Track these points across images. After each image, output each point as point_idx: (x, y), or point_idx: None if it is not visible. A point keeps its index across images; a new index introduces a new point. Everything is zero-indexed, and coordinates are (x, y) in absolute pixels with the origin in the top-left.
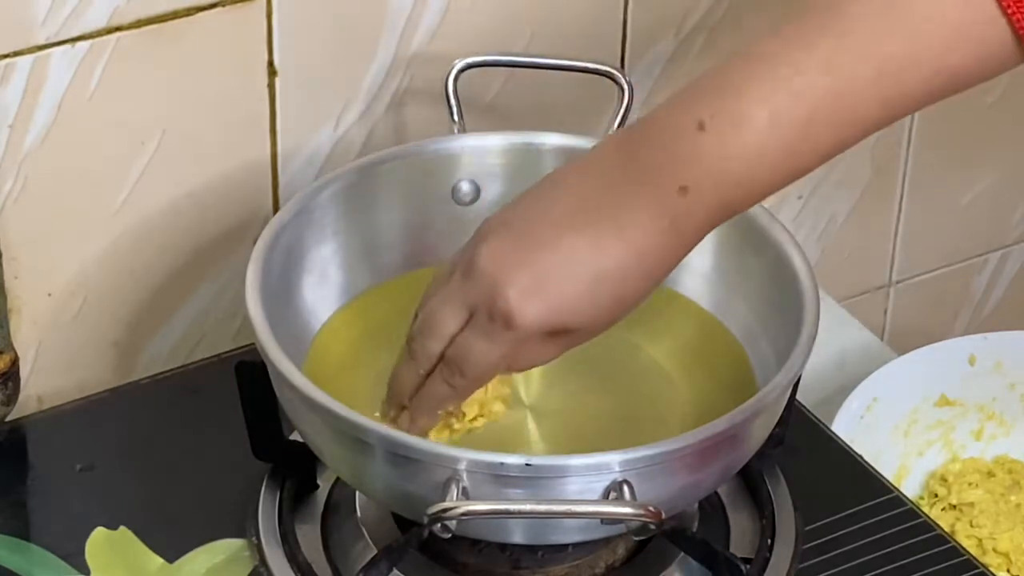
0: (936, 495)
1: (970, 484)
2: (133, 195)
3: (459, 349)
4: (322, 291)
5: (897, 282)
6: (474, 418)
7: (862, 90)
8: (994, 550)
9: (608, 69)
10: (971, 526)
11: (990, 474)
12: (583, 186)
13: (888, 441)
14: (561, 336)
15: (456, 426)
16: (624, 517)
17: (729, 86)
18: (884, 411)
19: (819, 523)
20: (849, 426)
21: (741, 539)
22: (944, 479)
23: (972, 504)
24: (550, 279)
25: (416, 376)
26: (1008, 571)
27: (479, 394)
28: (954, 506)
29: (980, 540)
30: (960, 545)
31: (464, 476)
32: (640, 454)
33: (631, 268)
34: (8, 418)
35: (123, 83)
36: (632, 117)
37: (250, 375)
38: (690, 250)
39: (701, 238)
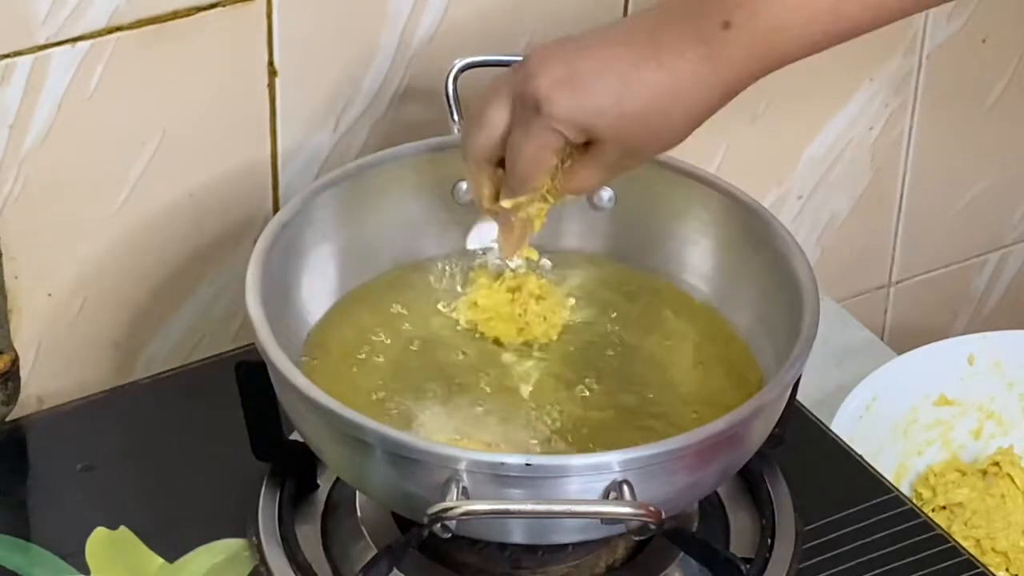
0: (922, 497)
1: (953, 483)
2: (133, 195)
3: (509, 146)
4: (322, 291)
5: (897, 282)
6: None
7: None
8: (993, 550)
9: None
10: (966, 526)
11: (963, 473)
12: (640, 16)
13: (887, 440)
14: (596, 149)
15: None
16: (624, 517)
17: None
18: (883, 410)
19: (819, 523)
20: (848, 425)
21: (741, 539)
22: (927, 480)
23: (961, 504)
24: (582, 77)
25: (473, 173)
26: (1007, 570)
27: None
28: (944, 507)
29: (978, 540)
30: (960, 545)
31: (464, 476)
32: (640, 454)
33: (660, 87)
34: (8, 418)
35: (123, 83)
36: None
37: (250, 375)
38: (724, 96)
39: (736, 86)
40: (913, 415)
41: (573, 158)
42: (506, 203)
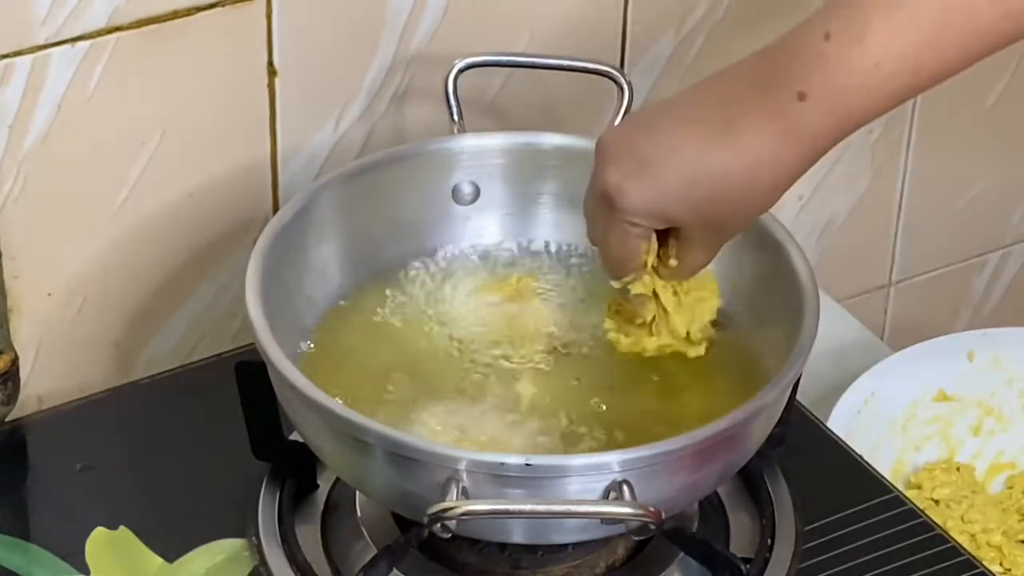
0: (919, 490)
1: (941, 484)
2: (133, 195)
3: (594, 238)
4: (322, 291)
5: (897, 282)
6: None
7: (983, 3)
8: (988, 544)
9: (608, 69)
10: (963, 521)
11: (959, 468)
12: (709, 87)
13: (885, 436)
14: (685, 232)
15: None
16: (624, 517)
17: (857, 2)
18: (882, 405)
19: (819, 523)
20: (846, 420)
21: (741, 539)
22: (924, 475)
23: (957, 499)
24: (651, 165)
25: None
26: (1000, 564)
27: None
28: (936, 501)
29: (973, 535)
30: (959, 544)
31: (464, 476)
32: (640, 454)
33: (734, 167)
34: (8, 418)
35: (123, 83)
36: None
37: (250, 375)
38: (808, 162)
39: (819, 151)
40: (912, 411)
41: (674, 236)
42: (615, 283)
